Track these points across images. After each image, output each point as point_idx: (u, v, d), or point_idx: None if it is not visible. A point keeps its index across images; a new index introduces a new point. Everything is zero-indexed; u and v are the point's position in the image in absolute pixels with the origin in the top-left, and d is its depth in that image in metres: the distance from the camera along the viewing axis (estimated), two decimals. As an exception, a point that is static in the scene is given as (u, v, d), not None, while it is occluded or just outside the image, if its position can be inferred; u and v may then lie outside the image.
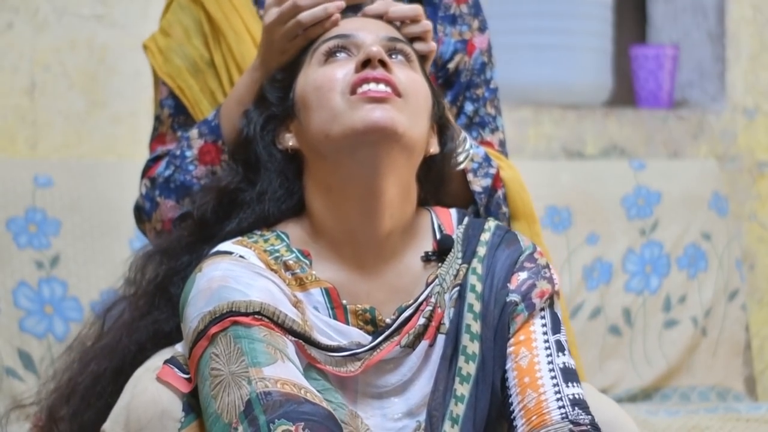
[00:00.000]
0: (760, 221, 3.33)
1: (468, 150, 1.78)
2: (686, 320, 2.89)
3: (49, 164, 2.59)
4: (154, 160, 1.84)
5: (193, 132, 1.78)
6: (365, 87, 1.54)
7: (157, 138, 1.88)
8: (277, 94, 1.65)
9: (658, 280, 2.89)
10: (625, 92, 3.48)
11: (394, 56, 1.61)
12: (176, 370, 1.54)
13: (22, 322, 2.43)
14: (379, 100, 1.53)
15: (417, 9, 1.70)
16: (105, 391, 1.64)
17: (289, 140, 1.62)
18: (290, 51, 1.67)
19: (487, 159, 1.82)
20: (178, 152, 1.78)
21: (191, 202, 1.74)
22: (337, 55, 1.60)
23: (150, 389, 1.52)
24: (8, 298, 2.43)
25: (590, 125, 3.17)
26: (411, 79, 1.59)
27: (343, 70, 1.57)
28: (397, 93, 1.56)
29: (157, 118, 1.89)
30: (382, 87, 1.54)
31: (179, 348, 1.58)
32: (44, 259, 2.46)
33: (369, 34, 1.62)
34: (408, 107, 1.56)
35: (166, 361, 1.55)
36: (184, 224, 1.69)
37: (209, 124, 1.76)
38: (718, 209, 2.98)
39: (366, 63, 1.56)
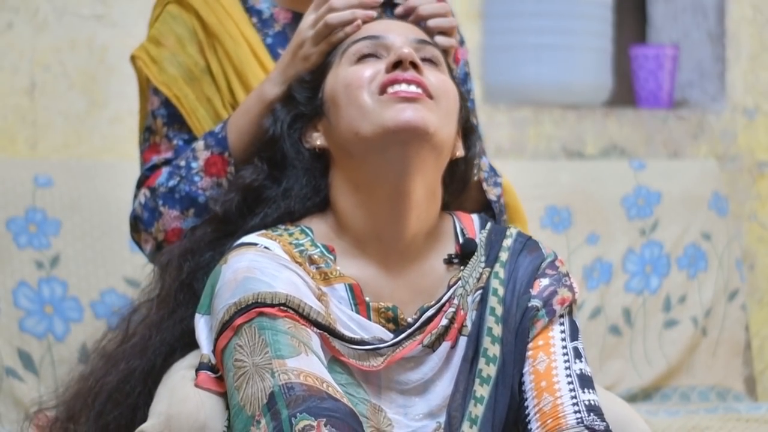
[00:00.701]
0: (760, 221, 3.33)
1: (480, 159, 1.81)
2: (686, 320, 2.89)
3: (49, 164, 2.58)
4: (151, 170, 1.84)
5: (199, 143, 1.77)
6: (396, 87, 1.55)
7: (150, 148, 1.87)
8: (305, 93, 1.66)
9: (658, 280, 2.89)
10: (625, 92, 3.48)
11: (422, 58, 1.61)
12: (210, 373, 1.54)
13: (22, 322, 2.43)
14: (410, 99, 1.54)
15: (445, 6, 1.72)
16: (133, 391, 1.64)
17: (317, 139, 1.63)
18: (313, 57, 1.68)
19: (492, 168, 1.85)
20: (182, 163, 1.78)
21: (195, 213, 1.75)
22: (367, 56, 1.61)
23: (191, 398, 1.53)
24: (8, 298, 2.43)
25: (590, 125, 3.17)
26: (441, 80, 1.60)
27: (372, 69, 1.58)
28: (428, 94, 1.57)
29: (148, 129, 1.88)
30: (413, 88, 1.55)
31: (204, 349, 1.57)
32: (44, 259, 2.46)
33: (398, 36, 1.62)
34: (439, 108, 1.57)
35: (198, 369, 1.56)
36: (207, 221, 1.69)
37: (216, 135, 1.76)
38: (718, 209, 2.98)
39: (397, 64, 1.57)
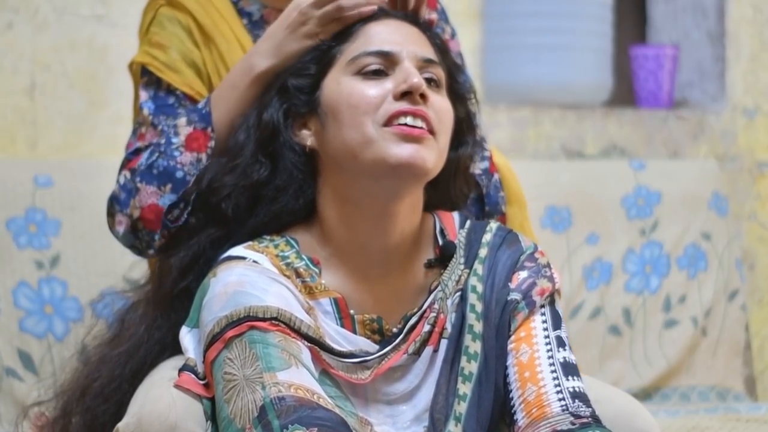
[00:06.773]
0: (760, 221, 3.33)
1: None
2: (686, 320, 2.89)
3: (49, 164, 2.58)
4: (134, 153, 1.83)
5: (181, 120, 1.77)
6: (402, 119, 1.54)
7: (137, 138, 1.86)
8: (304, 88, 1.63)
9: (658, 280, 2.89)
10: (625, 92, 3.48)
11: (427, 79, 1.60)
12: (193, 376, 1.54)
13: (22, 322, 2.43)
14: (413, 138, 1.54)
15: None
16: (121, 388, 1.65)
17: (307, 138, 1.62)
18: (319, 36, 1.66)
19: (480, 140, 1.83)
20: (163, 140, 1.77)
21: (173, 189, 1.73)
22: (374, 69, 1.59)
23: (164, 398, 1.52)
24: (8, 298, 2.43)
25: (590, 125, 3.17)
26: (442, 110, 1.60)
27: (379, 90, 1.57)
28: (431, 130, 1.56)
29: (137, 122, 1.88)
30: (419, 122, 1.55)
31: (191, 354, 1.58)
32: (44, 259, 2.46)
33: (408, 53, 1.60)
34: (438, 144, 1.58)
35: (182, 369, 1.55)
36: (214, 221, 1.67)
37: (200, 111, 1.76)
38: (718, 209, 2.98)
39: (405, 92, 1.56)
